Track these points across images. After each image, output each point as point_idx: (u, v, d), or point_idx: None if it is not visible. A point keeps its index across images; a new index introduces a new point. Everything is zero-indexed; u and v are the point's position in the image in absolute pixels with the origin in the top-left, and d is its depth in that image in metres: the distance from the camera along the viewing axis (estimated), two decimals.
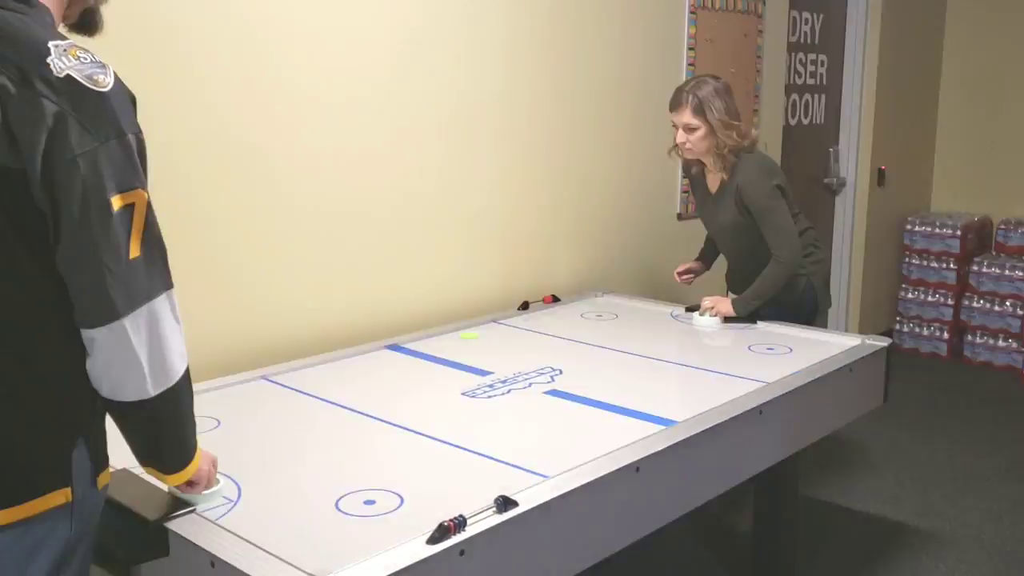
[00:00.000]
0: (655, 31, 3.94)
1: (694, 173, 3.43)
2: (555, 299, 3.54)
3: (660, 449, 2.08)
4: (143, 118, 1.46)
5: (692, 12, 4.02)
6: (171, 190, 2.37)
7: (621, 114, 3.86)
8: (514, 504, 1.70)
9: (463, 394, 2.47)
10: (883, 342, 2.97)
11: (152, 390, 1.45)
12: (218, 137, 2.65)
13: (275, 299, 2.85)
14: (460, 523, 1.59)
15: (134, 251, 1.40)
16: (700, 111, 3.16)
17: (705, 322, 3.22)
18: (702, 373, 2.71)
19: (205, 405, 2.26)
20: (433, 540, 1.55)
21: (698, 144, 3.20)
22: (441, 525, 1.57)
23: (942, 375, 5.40)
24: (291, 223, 2.86)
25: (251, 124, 2.72)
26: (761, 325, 3.19)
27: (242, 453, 2.06)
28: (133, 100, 1.44)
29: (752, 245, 3.27)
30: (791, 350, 2.91)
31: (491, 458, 2.06)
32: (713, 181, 3.34)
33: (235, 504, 1.79)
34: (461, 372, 2.66)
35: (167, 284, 1.47)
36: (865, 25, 5.34)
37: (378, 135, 3.05)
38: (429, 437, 2.17)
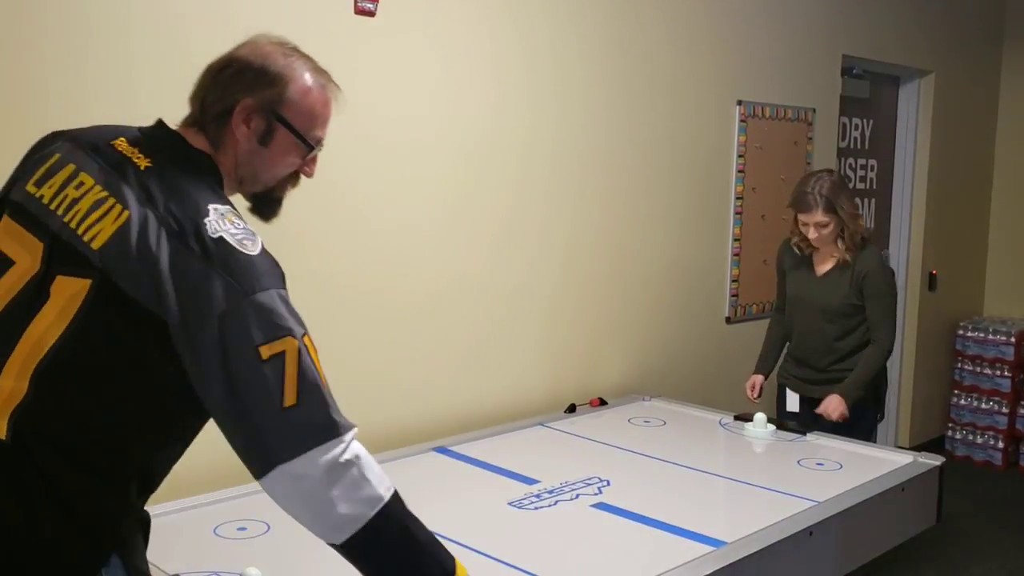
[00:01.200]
0: (706, 138, 3.99)
1: (799, 256, 3.52)
2: (602, 402, 3.53)
3: (709, 573, 2.05)
4: None
5: (743, 121, 4.08)
6: None
7: (672, 218, 3.90)
8: None
9: (510, 504, 2.46)
10: (936, 460, 2.92)
11: (335, 537, 1.46)
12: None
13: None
14: None
15: (289, 399, 1.42)
16: (831, 209, 3.33)
17: (757, 432, 3.19)
18: (751, 489, 2.68)
19: (250, 507, 2.31)
20: None
21: (828, 237, 3.38)
22: None
23: (997, 485, 5.26)
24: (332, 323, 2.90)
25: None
26: (811, 437, 3.15)
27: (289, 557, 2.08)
28: (280, 271, 1.51)
29: (848, 329, 3.41)
30: (841, 466, 2.87)
31: None
32: (823, 264, 3.46)
33: None
34: (508, 479, 2.66)
35: (331, 432, 1.44)
36: (915, 130, 5.37)
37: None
38: (474, 550, 2.15)
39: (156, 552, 1.70)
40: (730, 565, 2.11)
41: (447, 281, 3.18)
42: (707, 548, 2.19)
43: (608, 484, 2.62)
